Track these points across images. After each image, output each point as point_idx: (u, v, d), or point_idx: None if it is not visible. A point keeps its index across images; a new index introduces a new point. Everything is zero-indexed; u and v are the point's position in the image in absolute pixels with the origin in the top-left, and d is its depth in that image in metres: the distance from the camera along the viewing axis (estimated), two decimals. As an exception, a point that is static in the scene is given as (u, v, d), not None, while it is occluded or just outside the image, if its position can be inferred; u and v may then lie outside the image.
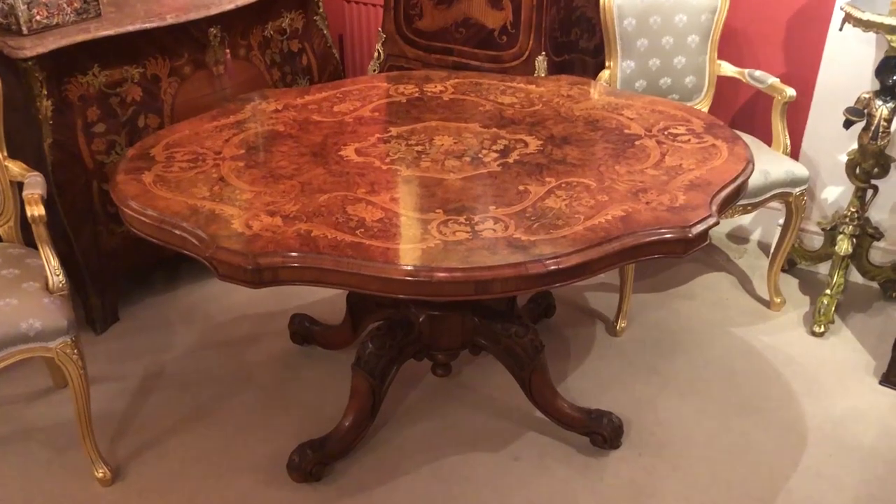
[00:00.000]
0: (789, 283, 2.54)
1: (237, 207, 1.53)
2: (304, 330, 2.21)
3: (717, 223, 1.54)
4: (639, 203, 1.56)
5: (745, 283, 2.57)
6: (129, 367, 2.19)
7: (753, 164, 1.74)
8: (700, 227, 1.50)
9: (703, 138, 1.83)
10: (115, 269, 2.33)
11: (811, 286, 2.54)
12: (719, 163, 1.72)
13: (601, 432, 1.88)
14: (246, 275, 1.39)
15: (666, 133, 1.85)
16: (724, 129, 1.87)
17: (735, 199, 1.68)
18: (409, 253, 1.41)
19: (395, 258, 1.39)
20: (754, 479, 1.85)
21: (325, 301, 2.41)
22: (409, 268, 1.37)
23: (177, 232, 1.47)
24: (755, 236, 2.79)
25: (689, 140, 1.82)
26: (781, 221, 2.41)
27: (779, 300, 2.42)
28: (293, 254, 1.40)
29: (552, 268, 1.39)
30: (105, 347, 2.26)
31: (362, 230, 1.46)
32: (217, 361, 2.20)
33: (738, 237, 2.81)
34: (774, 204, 2.43)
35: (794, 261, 2.58)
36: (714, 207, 1.56)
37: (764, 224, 2.74)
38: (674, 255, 1.51)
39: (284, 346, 2.24)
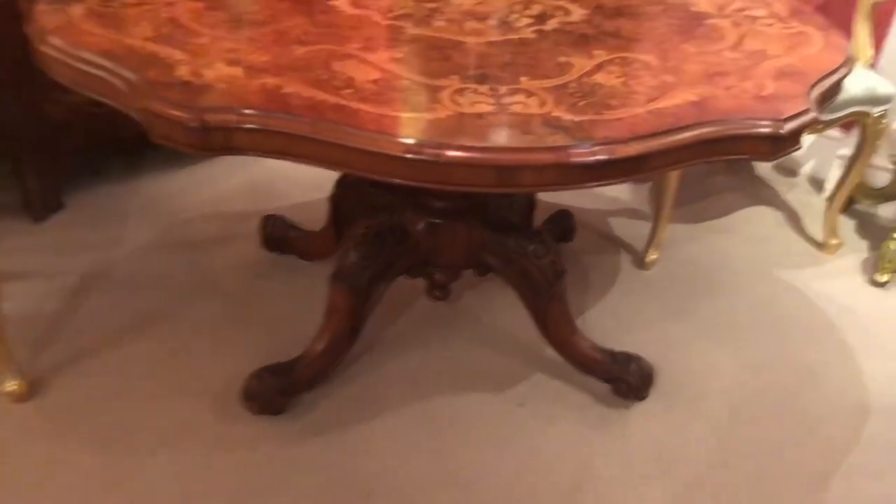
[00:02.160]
0: (845, 225, 2.19)
1: (187, 52, 1.15)
2: (278, 234, 1.85)
3: (815, 121, 1.16)
4: (716, 88, 1.18)
5: (794, 220, 2.21)
6: (68, 262, 1.83)
7: (854, 59, 1.35)
8: (796, 123, 1.12)
9: (790, 24, 1.44)
10: (60, 146, 1.94)
11: (871, 230, 2.19)
12: (813, 51, 1.34)
13: (626, 379, 1.55)
14: (188, 136, 1.01)
15: (743, 14, 1.45)
16: (813, 16, 1.48)
17: (832, 97, 1.30)
18: (411, 123, 1.03)
19: (392, 128, 1.01)
20: (808, 449, 1.52)
21: (308, 205, 2.05)
22: (410, 142, 0.99)
23: (99, 73, 1.08)
24: (807, 169, 2.42)
25: (773, 24, 1.43)
26: (842, 152, 2.02)
27: (835, 242, 2.07)
28: (253, 112, 1.02)
29: (602, 157, 1.01)
30: (42, 238, 1.90)
31: (350, 91, 1.08)
32: (174, 264, 1.85)
33: (787, 168, 2.44)
34: (832, 132, 2.05)
35: (852, 199, 2.20)
36: (813, 100, 1.18)
37: (818, 154, 2.36)
38: (758, 156, 1.13)
39: (256, 253, 1.89)
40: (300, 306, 1.73)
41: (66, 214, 1.99)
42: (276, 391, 1.46)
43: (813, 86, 1.22)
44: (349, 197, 1.65)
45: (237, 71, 1.11)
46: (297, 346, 1.51)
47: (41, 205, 1.96)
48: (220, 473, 1.37)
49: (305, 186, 2.13)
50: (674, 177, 1.89)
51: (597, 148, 1.02)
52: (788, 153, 1.15)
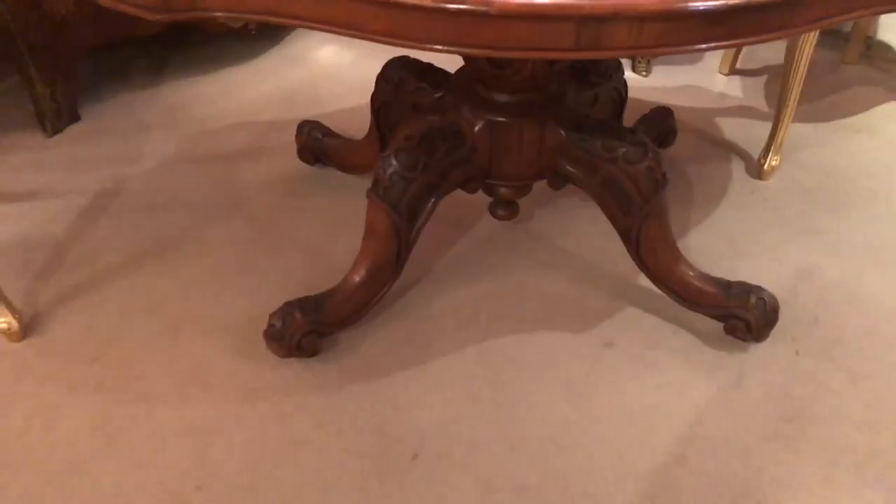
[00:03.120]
0: None
1: None
2: (315, 143, 1.58)
3: None
4: None
5: (951, 116, 1.80)
6: (80, 180, 1.61)
7: None
8: None
9: None
10: (70, 48, 1.70)
11: None
12: None
13: (744, 316, 1.24)
14: (139, -8, 0.72)
15: None
16: None
17: None
18: (448, -39, 0.71)
19: (419, -32, 0.69)
20: None
21: (355, 110, 1.77)
22: (444, -13, 0.68)
23: None
24: (966, 54, 1.98)
25: None
26: None
27: None
28: (224, -47, 0.72)
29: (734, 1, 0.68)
30: (55, 153, 1.69)
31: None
32: (196, 180, 1.60)
33: (939, 55, 2.01)
34: None
35: None
36: None
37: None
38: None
39: (290, 167, 1.64)
40: (339, 228, 1.48)
41: (81, 126, 1.77)
42: (307, 331, 1.21)
43: None
44: (394, 95, 1.36)
45: None
46: (335, 275, 1.26)
47: (54, 115, 1.74)
48: (241, 428, 1.14)
49: (353, 87, 1.85)
50: (801, 60, 1.52)
51: (726, -13, 0.68)
52: None
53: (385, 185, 1.17)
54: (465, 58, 1.18)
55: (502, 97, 1.20)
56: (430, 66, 1.34)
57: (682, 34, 0.69)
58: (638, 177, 1.19)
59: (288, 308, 1.21)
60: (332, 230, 1.48)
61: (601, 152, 1.19)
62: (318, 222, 1.50)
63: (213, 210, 1.53)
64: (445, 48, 0.68)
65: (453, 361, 1.25)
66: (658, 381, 1.22)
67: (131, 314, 1.32)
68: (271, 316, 1.21)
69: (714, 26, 0.70)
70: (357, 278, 1.22)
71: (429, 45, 0.68)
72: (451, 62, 1.32)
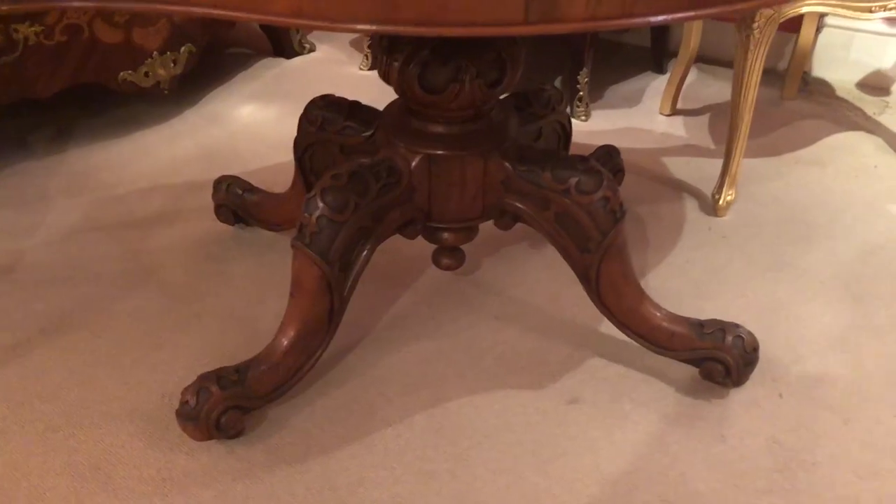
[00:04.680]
0: (963, 146, 1.75)
1: None
2: (234, 200, 1.45)
3: None
4: None
5: (897, 145, 1.78)
6: (-33, 256, 1.43)
7: None
8: None
9: None
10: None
11: None
12: None
13: (721, 357, 1.13)
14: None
15: None
16: None
17: None
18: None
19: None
20: None
21: (274, 168, 1.67)
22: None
23: None
24: (903, 84, 1.98)
25: None
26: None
27: (960, 165, 1.63)
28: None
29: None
30: (-61, 228, 1.50)
31: None
32: (103, 249, 1.45)
33: (876, 87, 2.01)
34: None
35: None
36: None
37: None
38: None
39: (208, 229, 1.50)
40: (265, 292, 1.34)
41: (-28, 199, 1.59)
42: (226, 406, 1.05)
43: None
44: (319, 137, 1.24)
45: None
46: (261, 344, 1.11)
47: (-61, 188, 1.56)
48: (149, 532, 0.96)
49: (276, 145, 1.74)
50: (750, 90, 1.47)
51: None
52: None
53: (312, 230, 1.04)
54: (397, 87, 1.08)
55: (439, 128, 1.10)
56: (356, 103, 1.24)
57: (647, 3, 0.59)
58: (594, 209, 1.09)
59: (203, 382, 1.05)
60: (257, 295, 1.34)
61: (551, 184, 1.09)
62: (240, 287, 1.36)
63: (123, 280, 1.37)
64: (368, 27, 0.56)
65: (401, 431, 1.10)
66: (632, 437, 1.10)
67: (20, 405, 1.14)
68: (184, 392, 1.05)
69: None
70: (285, 342, 1.08)
71: (347, 24, 0.56)
72: (379, 99, 1.23)
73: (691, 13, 0.59)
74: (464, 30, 0.57)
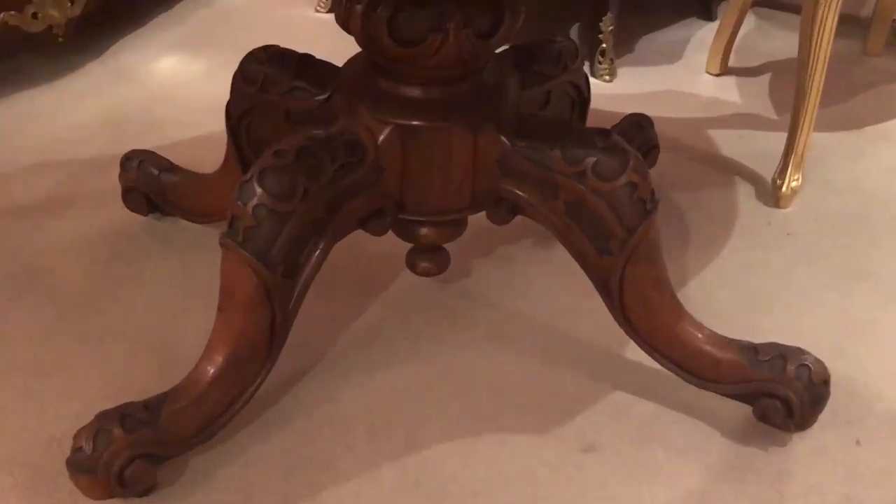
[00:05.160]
0: None
1: None
2: (149, 182, 1.48)
3: None
4: None
5: None
6: None
7: None
8: None
9: None
10: None
11: None
12: None
13: (781, 393, 1.16)
14: None
15: None
16: None
17: None
18: None
19: None
20: None
21: (201, 141, 1.69)
22: None
23: None
24: None
25: None
26: None
27: None
28: None
29: None
30: None
31: None
32: (-25, 248, 1.48)
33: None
34: None
35: None
36: None
37: None
38: None
39: (114, 219, 1.52)
40: (188, 302, 1.37)
41: None
42: (133, 455, 1.06)
43: None
44: (259, 100, 1.28)
45: None
46: (182, 371, 1.13)
47: None
48: None
49: (204, 109, 1.76)
50: (822, 48, 1.51)
51: None
52: None
53: (247, 224, 1.06)
54: (361, 38, 1.11)
55: (415, 92, 1.12)
56: (308, 57, 1.26)
57: None
58: (617, 198, 1.11)
59: (102, 422, 1.06)
60: (177, 307, 1.36)
61: (562, 165, 1.11)
62: (154, 297, 1.38)
63: (1, 287, 1.39)
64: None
65: (365, 486, 1.12)
66: (665, 496, 1.12)
67: None
68: (77, 435, 1.06)
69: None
70: (211, 370, 1.09)
71: None
72: (340, 52, 1.24)
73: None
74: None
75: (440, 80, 1.11)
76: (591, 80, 1.89)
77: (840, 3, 1.47)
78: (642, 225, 1.11)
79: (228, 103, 1.29)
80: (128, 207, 1.50)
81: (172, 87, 1.87)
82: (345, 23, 1.08)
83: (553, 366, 1.28)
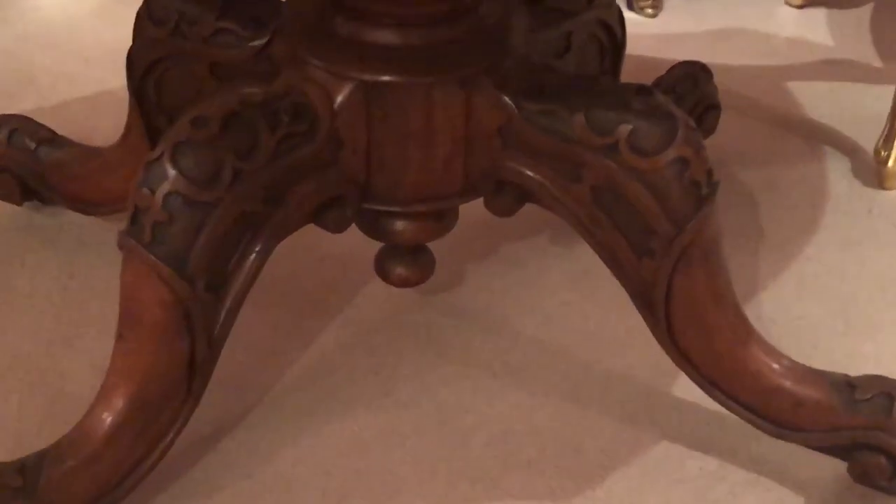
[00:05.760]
0: None
1: None
2: (23, 159, 1.52)
3: None
4: None
5: None
6: None
7: None
8: None
9: None
10: None
11: None
12: None
13: (885, 444, 1.19)
14: None
15: None
16: None
17: None
18: None
19: None
20: None
21: (93, 101, 1.75)
22: None
23: None
24: None
25: None
26: None
27: None
28: None
29: None
30: None
31: None
32: None
33: None
34: None
35: None
36: None
37: None
38: None
39: None
40: (76, 321, 1.41)
41: None
42: None
43: None
44: (172, 48, 1.31)
45: None
46: (67, 416, 1.17)
47: None
48: None
49: (97, 59, 1.82)
50: None
51: None
52: None
53: (156, 219, 1.08)
54: None
55: (387, 36, 1.15)
56: None
57: None
58: (661, 179, 1.14)
59: None
60: (63, 330, 1.41)
61: (586, 135, 1.14)
62: (33, 315, 1.42)
63: None
64: None
65: None
66: None
67: None
68: None
69: None
70: (109, 417, 1.12)
71: None
72: None
73: None
74: None
75: (420, 21, 1.13)
76: (629, 15, 1.94)
77: None
78: (696, 217, 1.13)
79: (130, 52, 1.32)
80: (-2, 196, 1.55)
81: (56, 28, 1.92)
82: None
83: (576, 409, 1.32)
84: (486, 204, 1.22)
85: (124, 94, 1.36)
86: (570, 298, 1.44)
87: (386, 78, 1.13)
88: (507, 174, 1.18)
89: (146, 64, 1.31)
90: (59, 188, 1.50)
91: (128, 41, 1.31)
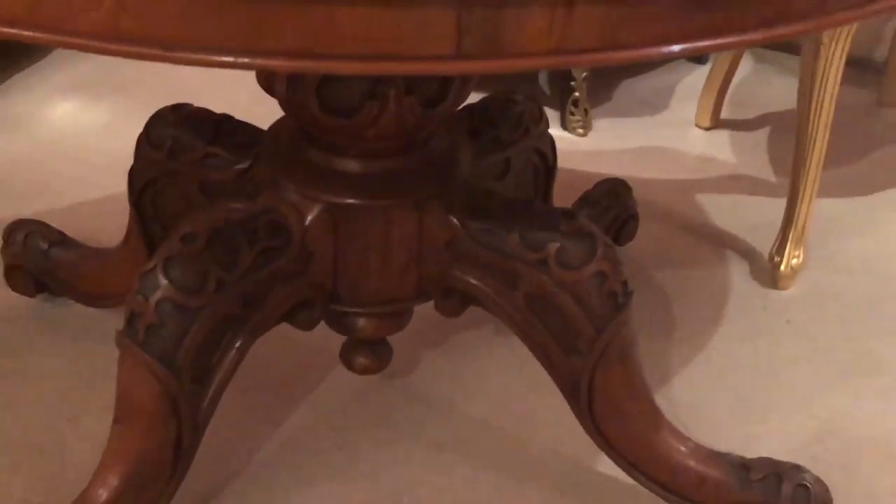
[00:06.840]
0: None
1: None
2: (36, 258, 1.50)
3: None
4: None
5: None
6: None
7: None
8: None
9: None
10: None
11: None
12: None
13: None
14: None
15: None
16: None
17: None
18: None
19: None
20: None
21: (100, 205, 1.72)
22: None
23: None
24: None
25: None
26: None
27: None
28: None
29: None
30: None
31: None
32: None
33: None
34: None
35: None
36: None
37: None
38: None
39: None
40: (80, 403, 1.39)
41: None
42: None
43: None
44: (167, 169, 1.30)
45: None
46: (69, 490, 1.16)
47: None
48: None
49: (105, 167, 1.79)
50: (824, 102, 1.54)
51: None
52: None
53: (149, 321, 1.08)
54: (286, 105, 1.13)
55: (350, 165, 1.15)
56: (227, 119, 1.29)
57: (641, 25, 0.62)
58: (584, 290, 1.14)
59: None
60: (68, 409, 1.38)
61: (521, 251, 1.14)
62: (40, 396, 1.40)
63: None
64: (220, 58, 0.58)
65: None
66: None
67: None
68: None
69: (694, 11, 0.64)
70: (104, 493, 1.10)
71: (182, 53, 0.58)
72: (261, 113, 1.27)
73: (707, 42, 0.63)
74: (360, 65, 0.60)
75: (379, 153, 1.14)
76: (563, 134, 1.94)
77: (848, 43, 1.49)
78: (614, 322, 1.14)
79: (131, 171, 1.31)
80: (10, 287, 1.52)
81: (70, 138, 1.89)
82: (267, 85, 1.11)
83: (512, 482, 1.30)
84: (436, 306, 1.22)
85: (126, 198, 1.35)
86: (509, 383, 1.42)
87: (350, 201, 1.14)
88: (454, 282, 1.19)
89: (144, 181, 1.31)
90: (67, 283, 1.49)
91: (132, 152, 1.30)
